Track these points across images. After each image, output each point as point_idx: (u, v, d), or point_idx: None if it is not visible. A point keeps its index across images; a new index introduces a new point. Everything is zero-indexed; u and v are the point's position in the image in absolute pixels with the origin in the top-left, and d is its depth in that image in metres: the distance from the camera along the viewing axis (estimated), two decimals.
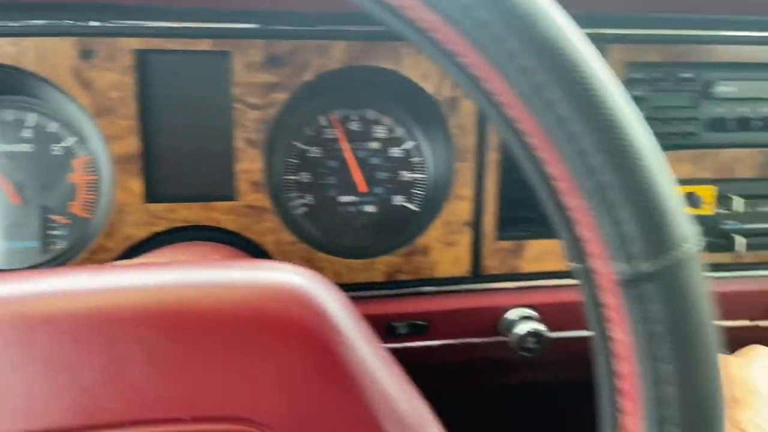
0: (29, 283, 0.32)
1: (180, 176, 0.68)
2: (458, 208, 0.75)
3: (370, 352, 0.35)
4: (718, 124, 0.78)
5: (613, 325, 0.30)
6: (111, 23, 0.62)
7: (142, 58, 0.64)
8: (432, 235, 0.75)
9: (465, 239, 0.76)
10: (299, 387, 0.32)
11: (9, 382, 0.29)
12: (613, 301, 0.29)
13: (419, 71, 0.71)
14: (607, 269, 0.29)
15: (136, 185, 0.66)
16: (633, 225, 0.28)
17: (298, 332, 0.33)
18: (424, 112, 0.75)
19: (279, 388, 0.32)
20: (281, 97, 0.68)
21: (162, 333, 0.31)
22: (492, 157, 0.74)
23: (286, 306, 0.33)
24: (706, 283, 0.29)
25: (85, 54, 0.62)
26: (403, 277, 0.76)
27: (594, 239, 0.29)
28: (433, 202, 0.78)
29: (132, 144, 0.65)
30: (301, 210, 0.77)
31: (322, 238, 0.76)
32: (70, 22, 0.61)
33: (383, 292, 0.76)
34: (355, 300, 0.74)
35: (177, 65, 0.66)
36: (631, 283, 0.28)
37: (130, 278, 0.33)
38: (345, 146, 0.77)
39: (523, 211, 0.78)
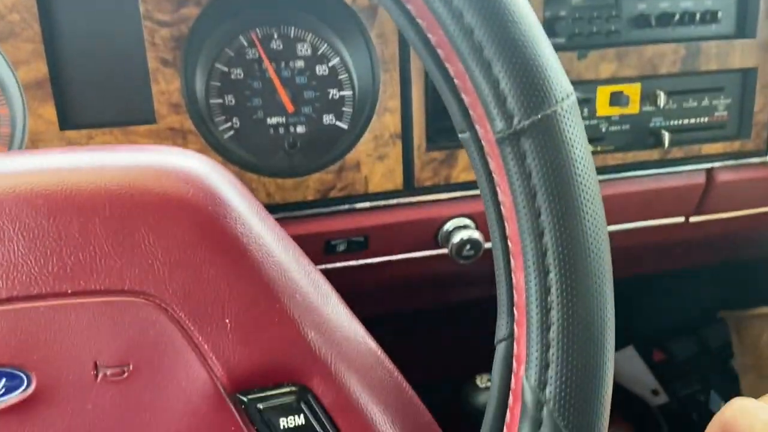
0: None
1: (96, 100, 0.66)
2: (386, 121, 0.75)
3: (260, 225, 0.35)
4: (640, 21, 0.79)
5: (499, 188, 0.30)
6: None
7: None
8: (362, 150, 0.75)
9: (395, 152, 0.76)
10: (188, 260, 0.32)
11: None
12: (496, 163, 0.29)
13: None
14: (488, 131, 0.29)
15: (49, 112, 0.64)
16: (507, 82, 0.28)
17: (182, 206, 0.33)
18: (345, 23, 0.74)
19: (168, 262, 0.32)
20: (191, 12, 0.66)
21: (41, 211, 0.31)
22: (416, 66, 0.74)
23: (168, 182, 0.33)
24: (582, 137, 0.29)
25: None
26: (336, 194, 0.76)
27: (475, 103, 0.29)
28: (362, 117, 0.78)
29: (39, 68, 0.63)
30: (229, 133, 0.76)
31: (252, 160, 0.75)
32: None
33: (317, 210, 0.76)
34: (291, 220, 0.75)
35: None
36: (509, 141, 0.28)
37: (16, 162, 0.33)
38: (268, 66, 0.76)
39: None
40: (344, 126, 0.79)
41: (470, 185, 0.80)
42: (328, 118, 0.79)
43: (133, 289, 0.31)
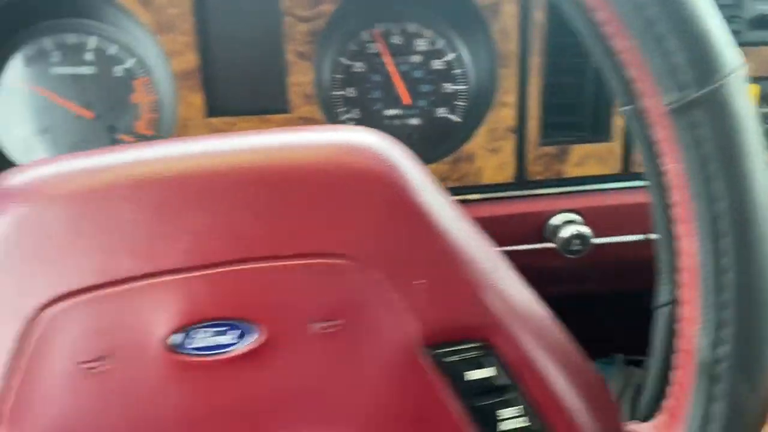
0: (143, 151, 0.36)
1: (237, 90, 0.71)
2: (502, 115, 0.77)
3: (439, 195, 0.38)
4: (760, 22, 0.78)
5: (666, 158, 0.32)
6: None
7: None
8: (477, 142, 0.77)
9: (509, 145, 0.78)
10: (384, 226, 0.36)
11: (132, 231, 0.33)
12: (664, 133, 0.31)
13: None
14: (657, 103, 0.31)
15: (197, 100, 0.69)
16: (681, 54, 0.30)
17: (376, 178, 0.36)
18: (466, 19, 0.76)
19: (365, 228, 0.36)
20: (328, 8, 0.70)
21: (259, 186, 0.35)
22: (535, 62, 0.76)
23: (361, 157, 0.37)
24: (751, 107, 0.31)
25: None
26: (449, 184, 0.79)
27: (643, 77, 0.31)
28: (476, 110, 0.80)
29: (191, 59, 0.68)
30: (350, 124, 0.80)
31: None
32: None
33: None
34: None
35: None
36: (682, 111, 0.30)
37: (227, 144, 0.37)
38: (388, 60, 0.80)
39: (567, 116, 0.80)
40: (457, 119, 0.82)
41: (580, 180, 0.81)
42: (441, 111, 0.82)
43: (338, 252, 0.35)
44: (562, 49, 0.77)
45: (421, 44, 0.81)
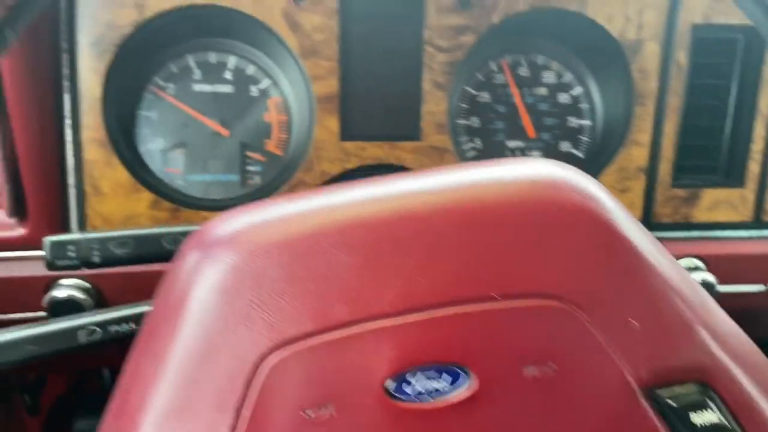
0: (342, 194, 0.36)
1: (371, 116, 0.72)
2: (634, 154, 0.75)
3: (640, 229, 0.37)
4: None
5: None
6: None
7: (345, 2, 0.68)
8: (605, 181, 0.76)
9: (639, 185, 0.76)
10: (591, 264, 0.35)
11: (343, 276, 0.33)
12: None
13: (604, 13, 0.71)
14: None
15: (333, 123, 0.70)
16: None
17: (580, 214, 0.35)
18: (602, 55, 0.75)
19: (576, 267, 0.35)
20: (469, 39, 0.70)
21: (466, 226, 0.34)
22: (673, 102, 0.73)
23: (563, 192, 0.36)
24: None
25: None
26: None
27: None
28: (602, 148, 0.78)
29: (332, 84, 0.69)
30: (471, 153, 0.79)
31: None
32: None
33: None
34: None
35: (374, 8, 0.69)
36: None
37: (421, 183, 0.37)
38: (515, 92, 0.79)
39: (701, 159, 0.77)
40: (580, 155, 0.81)
41: (709, 226, 0.78)
42: (565, 146, 0.81)
43: (549, 292, 0.34)
44: (701, 90, 0.75)
45: (547, 76, 0.80)
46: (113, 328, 0.49)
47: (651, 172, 0.75)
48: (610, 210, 0.36)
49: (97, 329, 0.48)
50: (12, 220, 0.66)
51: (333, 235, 0.33)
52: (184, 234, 0.57)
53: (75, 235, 0.53)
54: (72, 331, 0.47)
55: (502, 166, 0.38)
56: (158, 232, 0.56)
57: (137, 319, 0.49)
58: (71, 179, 0.66)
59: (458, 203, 0.35)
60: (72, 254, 0.53)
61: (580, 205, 0.35)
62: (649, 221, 0.77)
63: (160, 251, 0.56)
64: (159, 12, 0.65)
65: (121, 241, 0.55)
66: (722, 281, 0.78)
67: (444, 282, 0.33)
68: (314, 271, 0.32)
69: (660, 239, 0.79)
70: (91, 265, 0.54)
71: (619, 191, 0.76)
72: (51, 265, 0.53)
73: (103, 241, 0.54)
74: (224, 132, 0.74)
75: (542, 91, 0.80)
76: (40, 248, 0.68)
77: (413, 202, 0.35)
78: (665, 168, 0.75)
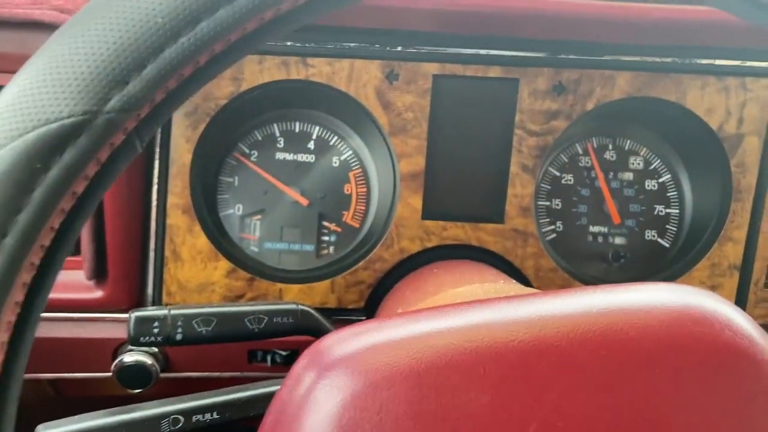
0: (470, 314, 0.34)
1: (454, 196, 0.70)
2: (728, 250, 0.71)
3: None
4: None
5: None
6: (413, 48, 0.66)
7: (438, 83, 0.67)
8: (696, 276, 0.72)
9: (731, 284, 0.72)
10: (746, 413, 0.32)
11: (472, 418, 0.30)
12: None
13: (704, 106, 0.69)
14: None
15: (416, 201, 0.69)
16: None
17: (737, 355, 0.32)
18: (697, 146, 0.72)
19: (728, 415, 0.32)
20: (560, 125, 0.69)
21: (610, 362, 0.31)
22: None
23: (716, 330, 0.33)
24: None
25: (389, 76, 0.66)
26: None
27: None
28: (692, 240, 0.75)
29: (419, 162, 0.68)
30: (551, 236, 0.77)
31: (567, 266, 0.75)
32: (378, 46, 0.66)
33: None
34: None
35: (467, 90, 0.68)
36: None
37: (552, 306, 0.34)
38: (599, 175, 0.77)
39: None
40: (666, 244, 0.77)
41: None
42: (650, 234, 0.78)
43: None
44: None
45: (634, 162, 0.77)
46: (196, 417, 0.47)
47: (745, 270, 0.71)
48: (761, 350, 0.33)
49: (181, 418, 0.47)
50: (90, 282, 0.66)
51: (462, 366, 0.31)
52: (268, 313, 0.55)
53: (160, 311, 0.52)
54: (155, 420, 0.46)
55: (646, 292, 0.36)
56: (242, 311, 0.55)
57: (222, 408, 0.47)
58: (152, 244, 0.66)
59: (599, 334, 0.32)
60: (156, 330, 0.52)
61: (741, 347, 0.32)
62: None
63: (243, 331, 0.55)
64: (256, 85, 0.65)
65: (206, 318, 0.54)
66: None
67: (584, 427, 0.31)
68: (443, 409, 0.30)
69: None
70: (173, 342, 0.53)
71: (709, 287, 0.72)
72: (134, 341, 0.52)
73: (188, 319, 0.53)
74: (303, 201, 0.73)
75: (628, 176, 0.77)
76: (115, 310, 0.68)
77: (548, 329, 0.33)
78: (760, 267, 0.71)
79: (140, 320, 0.52)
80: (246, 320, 0.55)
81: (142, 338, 0.52)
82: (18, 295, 0.25)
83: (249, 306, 0.55)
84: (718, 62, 0.68)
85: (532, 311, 0.34)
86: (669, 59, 0.68)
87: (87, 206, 0.27)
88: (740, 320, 0.34)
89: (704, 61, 0.68)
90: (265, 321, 0.55)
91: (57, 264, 0.26)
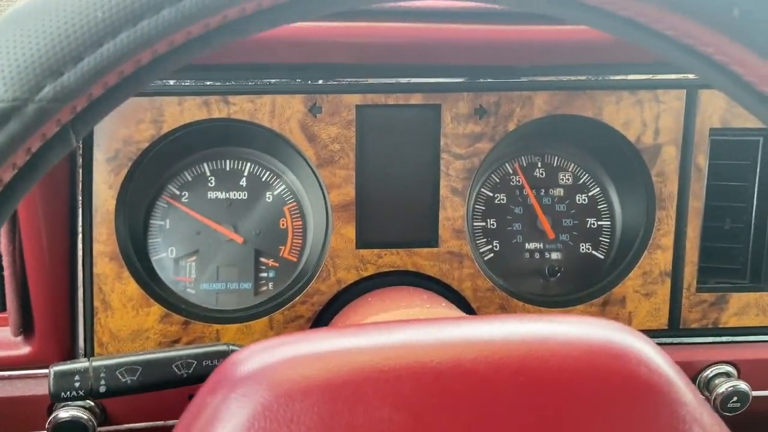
0: (390, 334, 0.33)
1: (387, 224, 0.71)
2: (657, 258, 0.73)
3: (701, 407, 0.34)
4: None
5: None
6: (335, 81, 0.67)
7: (361, 113, 0.68)
8: (629, 285, 0.73)
9: (664, 290, 0.73)
10: None
11: None
12: None
13: (620, 120, 0.71)
14: None
15: (350, 231, 0.69)
16: None
17: (648, 391, 0.33)
18: (619, 159, 0.74)
19: None
20: (485, 146, 0.70)
21: (526, 388, 0.32)
22: (694, 205, 0.72)
23: (632, 365, 0.33)
24: None
25: (313, 109, 0.67)
26: None
27: None
28: (624, 250, 0.77)
29: (349, 193, 0.68)
30: (489, 256, 0.77)
31: (504, 284, 0.75)
32: (299, 80, 0.66)
33: None
34: None
35: (391, 118, 0.69)
36: None
37: (474, 332, 0.34)
38: (530, 193, 0.78)
39: (726, 261, 0.75)
40: (600, 256, 0.79)
41: (739, 331, 0.75)
42: (585, 247, 0.79)
43: None
44: (722, 192, 0.74)
45: (563, 177, 0.79)
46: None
47: (676, 276, 0.73)
48: (678, 389, 0.33)
49: None
50: (17, 339, 0.63)
51: (379, 383, 0.31)
52: (197, 357, 0.54)
53: (81, 364, 0.51)
54: None
55: (569, 324, 0.36)
56: (169, 356, 0.54)
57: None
58: (80, 294, 0.65)
59: (518, 361, 0.33)
60: (77, 384, 0.51)
61: (647, 380, 0.33)
62: (676, 326, 0.74)
63: (171, 377, 0.54)
64: (177, 126, 0.65)
65: (130, 367, 0.52)
66: (755, 387, 0.74)
67: None
68: (356, 425, 0.30)
69: (689, 345, 0.76)
70: (97, 395, 0.51)
71: (643, 295, 0.73)
72: (55, 397, 0.50)
73: (111, 369, 0.51)
74: (238, 239, 0.73)
75: (559, 192, 0.79)
76: (45, 366, 0.65)
77: (468, 353, 0.33)
78: (690, 272, 0.73)
79: (60, 375, 0.50)
80: (174, 366, 0.53)
81: (63, 393, 0.50)
82: None
83: (176, 351, 0.54)
84: (630, 77, 0.70)
85: (454, 334, 0.34)
86: (583, 77, 0.70)
87: (14, 196, 0.26)
88: (658, 358, 0.34)
89: (617, 77, 0.70)
90: (194, 365, 0.54)
91: None
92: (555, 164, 0.79)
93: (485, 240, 0.78)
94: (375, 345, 0.32)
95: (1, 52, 0.25)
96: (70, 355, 0.66)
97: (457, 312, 0.58)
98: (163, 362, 0.53)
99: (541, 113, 0.70)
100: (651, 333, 0.74)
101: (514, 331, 0.34)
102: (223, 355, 0.55)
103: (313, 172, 0.69)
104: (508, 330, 0.34)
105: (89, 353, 0.65)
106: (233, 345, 0.56)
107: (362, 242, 0.69)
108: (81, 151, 0.64)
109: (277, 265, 0.74)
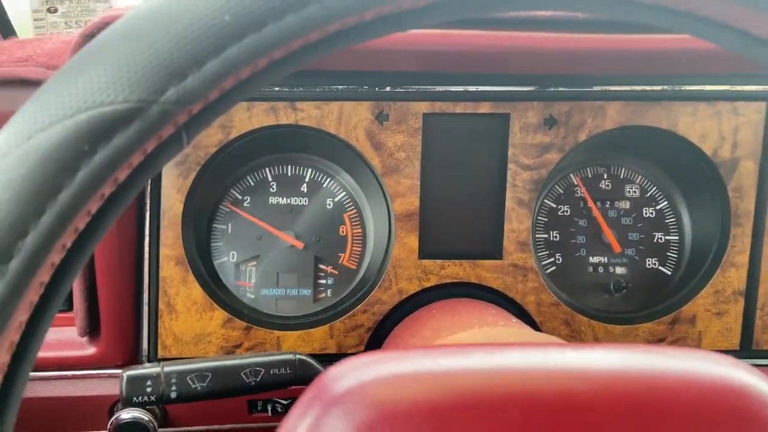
0: (491, 356, 0.32)
1: (450, 234, 0.70)
2: (731, 276, 0.70)
3: None
4: None
5: None
6: (402, 88, 0.66)
7: (428, 121, 0.67)
8: (699, 304, 0.70)
9: (736, 310, 0.70)
10: None
11: None
12: None
13: (697, 132, 0.68)
14: None
15: (412, 241, 0.68)
16: None
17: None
18: (692, 172, 0.72)
19: None
20: (553, 157, 0.68)
21: (638, 423, 0.30)
22: None
23: (755, 406, 0.31)
24: None
25: (379, 117, 0.66)
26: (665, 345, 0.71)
27: None
28: (694, 267, 0.74)
29: (413, 202, 0.67)
30: (551, 269, 0.76)
31: (570, 299, 0.73)
32: (367, 87, 0.66)
33: None
34: None
35: (458, 127, 0.68)
36: None
37: (583, 359, 0.33)
38: (592, 205, 0.76)
39: None
40: (668, 272, 0.76)
41: None
42: (651, 262, 0.76)
43: None
44: None
45: (630, 190, 0.76)
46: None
47: (749, 296, 0.70)
48: None
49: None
50: (83, 339, 0.64)
51: (487, 411, 0.29)
52: (265, 365, 0.54)
53: (153, 369, 0.51)
54: None
55: (686, 359, 0.34)
56: (238, 364, 0.54)
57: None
58: (146, 297, 0.65)
59: (633, 396, 0.31)
60: (149, 389, 0.51)
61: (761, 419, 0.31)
62: (749, 347, 0.71)
63: (240, 385, 0.53)
64: (245, 132, 0.65)
65: (201, 374, 0.52)
66: None
67: None
68: None
69: (761, 367, 0.73)
70: (168, 400, 0.51)
71: (714, 314, 0.70)
72: (127, 402, 0.51)
73: (182, 375, 0.51)
74: (298, 244, 0.72)
75: (625, 204, 0.77)
76: (109, 366, 0.66)
77: (580, 384, 0.31)
78: (765, 291, 0.70)
79: (132, 379, 0.50)
80: (242, 374, 0.53)
81: (135, 398, 0.50)
82: (45, 276, 0.24)
83: (245, 358, 0.54)
84: (708, 88, 0.68)
85: (564, 363, 0.33)
86: (659, 87, 0.68)
87: (126, 194, 0.26)
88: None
89: (694, 88, 0.68)
90: (261, 373, 0.54)
91: (86, 250, 0.25)
92: (622, 176, 0.77)
93: (547, 253, 0.76)
94: (482, 369, 0.31)
95: (125, 52, 0.25)
96: (134, 357, 0.66)
97: (538, 333, 0.56)
98: (232, 370, 0.53)
99: (614, 124, 0.68)
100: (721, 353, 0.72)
101: (626, 363, 0.32)
102: (290, 364, 0.55)
103: (377, 180, 0.68)
104: (620, 361, 0.33)
105: (153, 356, 0.65)
106: (298, 354, 0.56)
107: (425, 253, 0.68)
108: None
109: (336, 272, 0.73)
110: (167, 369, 0.51)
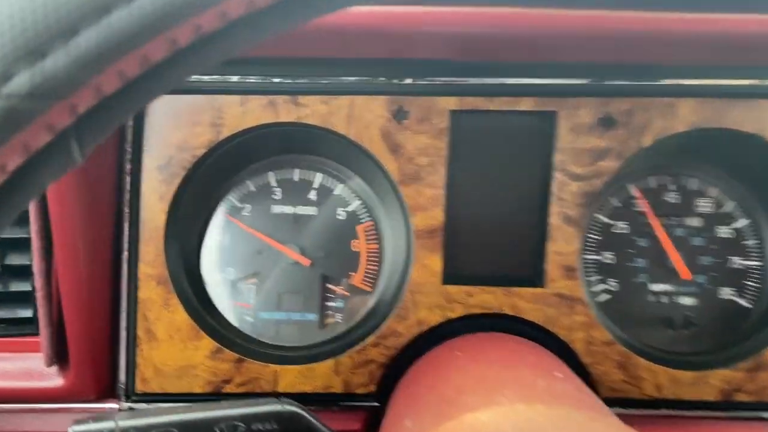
0: None
1: (480, 255, 0.58)
2: None
3: None
4: None
5: None
6: (425, 80, 0.55)
7: (456, 120, 0.55)
8: None
9: None
10: None
11: None
12: None
13: None
14: None
15: (435, 263, 0.57)
16: None
17: None
18: None
19: None
20: (610, 165, 0.56)
21: None
22: None
23: None
24: None
25: (397, 114, 0.55)
26: (744, 398, 0.58)
27: None
28: None
29: (437, 216, 0.56)
30: (604, 297, 0.63)
31: (626, 335, 0.61)
32: (383, 79, 0.55)
33: (716, 413, 0.59)
34: (681, 419, 0.59)
35: (492, 127, 0.57)
36: None
37: None
38: (654, 222, 0.63)
39: None
40: (747, 305, 0.63)
41: None
42: (726, 292, 0.63)
43: None
44: None
45: (702, 205, 0.63)
46: None
47: None
48: None
49: None
50: (51, 369, 0.56)
51: None
52: (245, 419, 0.44)
53: (105, 424, 0.41)
54: None
55: None
56: (211, 417, 0.44)
57: None
58: (123, 321, 0.56)
59: None
60: None
61: None
62: None
63: None
64: (238, 131, 0.55)
65: (164, 430, 0.43)
66: None
67: None
68: None
69: None
70: None
71: None
72: None
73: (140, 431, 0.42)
74: (305, 261, 0.62)
75: (696, 222, 0.64)
76: (80, 401, 0.58)
77: None
78: None
79: None
80: (216, 429, 0.44)
81: None
82: None
83: (220, 410, 0.44)
84: None
85: None
86: (744, 81, 0.55)
87: None
88: None
89: None
90: (239, 430, 0.44)
91: None
92: (692, 188, 0.64)
93: (599, 278, 0.64)
94: None
95: None
96: (109, 390, 0.57)
97: (597, 399, 0.44)
98: (203, 425, 0.43)
99: (686, 126, 0.55)
100: None
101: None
102: (277, 417, 0.45)
103: (394, 189, 0.57)
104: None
105: (131, 390, 0.56)
106: (288, 403, 0.46)
107: (450, 277, 0.57)
108: (129, 157, 0.55)
109: (346, 294, 0.63)
110: (122, 424, 0.42)
